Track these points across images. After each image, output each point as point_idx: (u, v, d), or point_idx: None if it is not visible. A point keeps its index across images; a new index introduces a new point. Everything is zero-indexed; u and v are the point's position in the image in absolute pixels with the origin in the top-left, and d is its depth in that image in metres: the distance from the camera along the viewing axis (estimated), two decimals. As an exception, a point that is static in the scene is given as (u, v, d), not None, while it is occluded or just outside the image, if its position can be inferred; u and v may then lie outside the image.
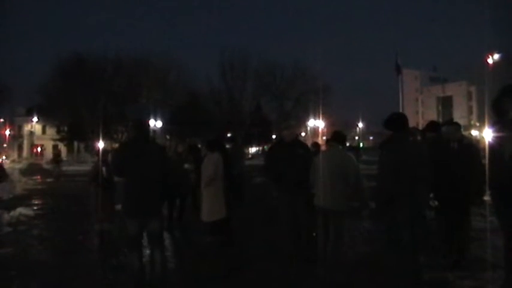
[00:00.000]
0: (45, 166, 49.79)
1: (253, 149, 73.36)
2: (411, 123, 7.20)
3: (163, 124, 58.72)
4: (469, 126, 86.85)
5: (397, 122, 6.10)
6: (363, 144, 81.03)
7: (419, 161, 5.68)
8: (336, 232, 6.58)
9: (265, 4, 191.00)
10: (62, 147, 76.52)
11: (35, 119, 77.03)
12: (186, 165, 11.36)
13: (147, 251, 6.71)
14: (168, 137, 62.31)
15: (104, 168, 8.80)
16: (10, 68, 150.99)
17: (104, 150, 9.75)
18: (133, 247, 6.15)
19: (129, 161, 5.92)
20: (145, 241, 6.55)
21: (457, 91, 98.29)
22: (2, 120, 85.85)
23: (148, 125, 7.53)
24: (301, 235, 7.43)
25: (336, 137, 6.96)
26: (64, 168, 30.39)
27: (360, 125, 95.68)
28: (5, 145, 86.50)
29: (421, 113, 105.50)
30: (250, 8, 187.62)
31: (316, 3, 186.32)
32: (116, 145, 61.66)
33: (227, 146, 12.29)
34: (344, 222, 6.73)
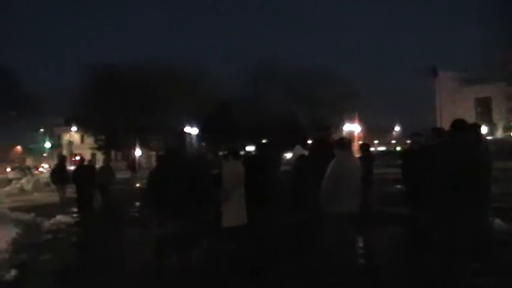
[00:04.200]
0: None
1: (287, 156, 72.98)
2: (448, 126, 7.09)
3: (198, 132, 58.98)
4: (509, 128, 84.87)
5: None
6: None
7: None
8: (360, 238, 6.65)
9: (296, 9, 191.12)
10: (100, 156, 77.71)
11: (74, 128, 78.37)
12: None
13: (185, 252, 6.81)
14: (203, 144, 62.51)
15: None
16: (50, 78, 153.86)
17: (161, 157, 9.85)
18: (173, 247, 6.33)
19: (171, 169, 6.20)
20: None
21: (495, 92, 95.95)
22: (42, 130, 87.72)
23: (186, 136, 7.83)
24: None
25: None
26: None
27: (397, 128, 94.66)
28: (44, 154, 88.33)
29: (458, 115, 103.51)
30: (281, 14, 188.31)
31: (347, 6, 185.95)
32: (153, 153, 62.46)
33: (258, 153, 12.31)
34: None
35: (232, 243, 8.73)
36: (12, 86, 73.65)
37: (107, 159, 18.86)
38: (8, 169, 48.43)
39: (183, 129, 51.79)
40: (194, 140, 57.88)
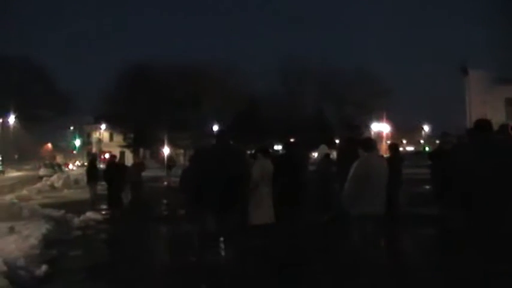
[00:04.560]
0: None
1: (315, 154, 72.75)
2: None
3: (226, 130, 59.08)
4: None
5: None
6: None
7: None
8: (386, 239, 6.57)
9: (325, 7, 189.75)
10: (128, 154, 78.48)
11: (103, 126, 79.26)
12: None
13: (221, 248, 6.86)
14: (231, 142, 62.18)
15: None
16: (79, 77, 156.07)
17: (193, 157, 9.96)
18: (210, 243, 6.40)
19: (211, 164, 6.30)
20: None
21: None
22: (72, 128, 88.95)
23: (228, 134, 8.04)
24: None
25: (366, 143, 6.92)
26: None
27: (426, 128, 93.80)
28: (74, 152, 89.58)
29: (489, 116, 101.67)
30: (309, 11, 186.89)
31: (376, 3, 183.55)
32: (181, 151, 62.87)
33: (286, 152, 12.32)
34: None
35: (259, 241, 8.74)
36: (48, 86, 75.02)
37: (136, 157, 19.16)
38: (42, 169, 49.35)
39: (218, 128, 51.98)
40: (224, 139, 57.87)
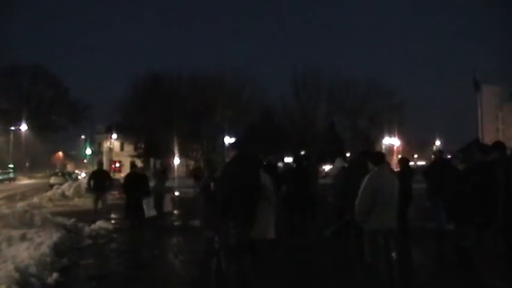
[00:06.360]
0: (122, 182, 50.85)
1: (326, 167, 72.70)
2: (490, 142, 7.06)
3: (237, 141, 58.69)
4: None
5: None
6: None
7: None
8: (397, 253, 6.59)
9: (338, 20, 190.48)
10: (139, 164, 78.58)
11: (114, 136, 79.50)
12: None
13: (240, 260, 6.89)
14: (253, 152, 61.45)
15: (212, 183, 8.97)
16: (92, 86, 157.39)
17: (213, 168, 10.08)
18: (234, 255, 6.43)
19: (238, 175, 6.37)
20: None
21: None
22: (83, 137, 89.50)
23: (251, 145, 8.04)
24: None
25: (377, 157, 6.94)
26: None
27: (437, 143, 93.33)
28: (85, 161, 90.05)
29: (501, 131, 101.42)
30: (323, 24, 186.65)
31: (389, 18, 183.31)
32: (191, 162, 62.92)
33: (296, 165, 12.34)
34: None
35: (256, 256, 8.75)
36: (60, 95, 75.56)
37: (162, 166, 18.68)
38: (52, 178, 49.61)
39: (240, 138, 52.04)
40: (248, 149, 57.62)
